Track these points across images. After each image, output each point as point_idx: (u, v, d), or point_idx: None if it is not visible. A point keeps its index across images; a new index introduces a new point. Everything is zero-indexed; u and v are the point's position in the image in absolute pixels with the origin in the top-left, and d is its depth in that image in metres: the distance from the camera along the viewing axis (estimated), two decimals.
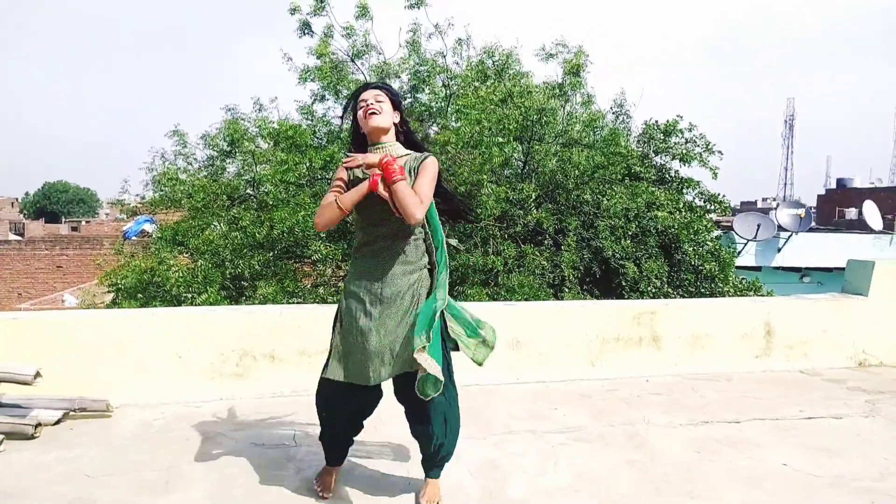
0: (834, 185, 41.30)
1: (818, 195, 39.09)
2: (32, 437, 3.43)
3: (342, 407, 2.78)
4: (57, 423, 3.62)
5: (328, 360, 2.70)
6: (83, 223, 42.90)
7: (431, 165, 2.61)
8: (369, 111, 2.62)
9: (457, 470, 3.05)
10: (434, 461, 2.81)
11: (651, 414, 3.97)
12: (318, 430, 2.95)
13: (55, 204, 67.34)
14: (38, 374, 3.58)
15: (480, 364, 2.75)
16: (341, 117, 2.88)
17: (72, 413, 3.72)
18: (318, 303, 7.45)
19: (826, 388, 4.62)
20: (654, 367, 4.80)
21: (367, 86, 2.75)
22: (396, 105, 2.72)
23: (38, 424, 3.49)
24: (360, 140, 2.74)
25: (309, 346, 4.25)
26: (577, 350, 4.70)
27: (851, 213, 27.14)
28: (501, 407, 4.05)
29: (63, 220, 56.55)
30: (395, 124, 2.72)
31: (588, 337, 4.72)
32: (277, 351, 4.24)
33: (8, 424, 3.38)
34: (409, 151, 2.71)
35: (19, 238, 31.22)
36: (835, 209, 31.65)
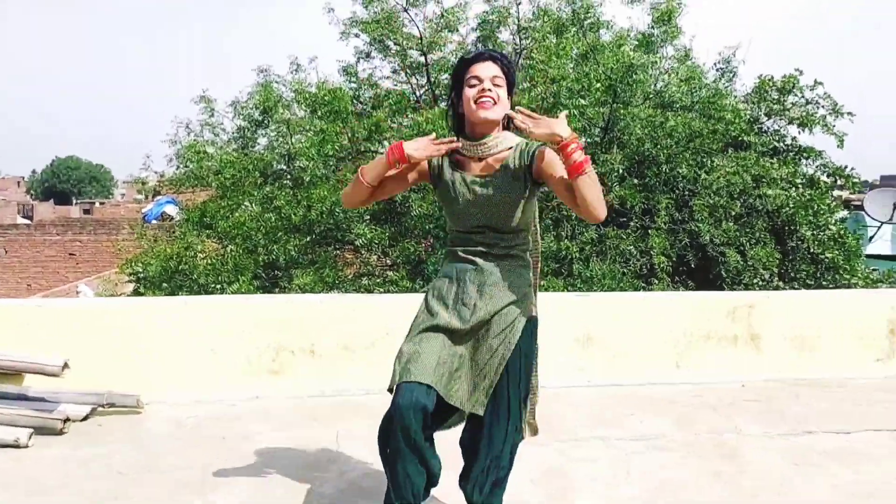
0: None
1: None
2: (61, 433, 3.86)
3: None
4: (85, 418, 4.05)
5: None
6: (97, 204, 44.98)
7: (555, 156, 2.51)
8: (482, 98, 2.48)
9: (517, 476, 3.27)
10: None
11: (744, 422, 4.12)
12: (363, 430, 3.16)
13: (65, 183, 70.93)
14: (66, 366, 4.02)
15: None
16: (448, 99, 2.71)
17: (100, 408, 4.15)
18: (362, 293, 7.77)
19: None
20: (752, 370, 4.91)
21: (480, 55, 2.57)
22: (511, 86, 2.59)
23: (67, 419, 3.93)
24: (461, 120, 2.63)
25: (353, 340, 4.56)
26: (660, 349, 4.87)
27: None
28: (569, 412, 4.27)
29: (74, 201, 59.48)
30: None
31: (673, 334, 4.88)
32: (318, 345, 4.57)
33: (37, 419, 3.82)
34: (517, 139, 2.62)
35: (28, 222, 32.89)
36: None
